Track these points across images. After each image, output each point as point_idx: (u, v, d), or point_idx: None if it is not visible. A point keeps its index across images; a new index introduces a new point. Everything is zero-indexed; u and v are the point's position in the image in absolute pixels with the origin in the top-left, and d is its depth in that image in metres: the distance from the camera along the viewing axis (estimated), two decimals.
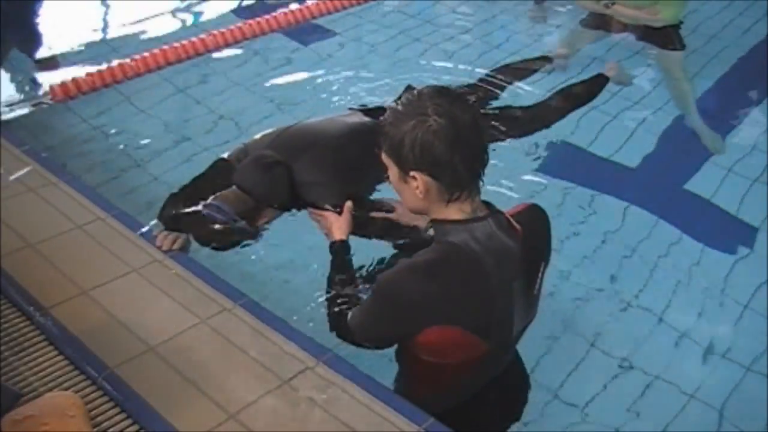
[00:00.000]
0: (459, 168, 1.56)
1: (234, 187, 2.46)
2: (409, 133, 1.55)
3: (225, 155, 2.68)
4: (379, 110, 2.72)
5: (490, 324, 1.66)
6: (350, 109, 2.80)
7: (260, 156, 2.48)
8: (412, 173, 1.59)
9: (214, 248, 2.55)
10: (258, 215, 2.45)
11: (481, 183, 1.64)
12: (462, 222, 1.61)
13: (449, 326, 1.62)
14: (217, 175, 2.58)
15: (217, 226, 2.39)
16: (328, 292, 1.95)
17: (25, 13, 4.93)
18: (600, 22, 4.32)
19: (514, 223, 1.69)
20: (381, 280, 1.65)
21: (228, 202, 2.40)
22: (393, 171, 1.65)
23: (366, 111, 2.74)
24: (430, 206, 1.64)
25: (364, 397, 1.80)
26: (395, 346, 1.80)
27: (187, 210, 2.47)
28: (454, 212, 1.62)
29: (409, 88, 2.88)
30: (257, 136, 2.67)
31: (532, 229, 1.73)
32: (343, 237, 2.06)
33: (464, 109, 1.57)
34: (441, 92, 1.60)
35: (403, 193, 1.68)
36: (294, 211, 2.51)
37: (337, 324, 1.84)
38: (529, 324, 1.85)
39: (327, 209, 2.22)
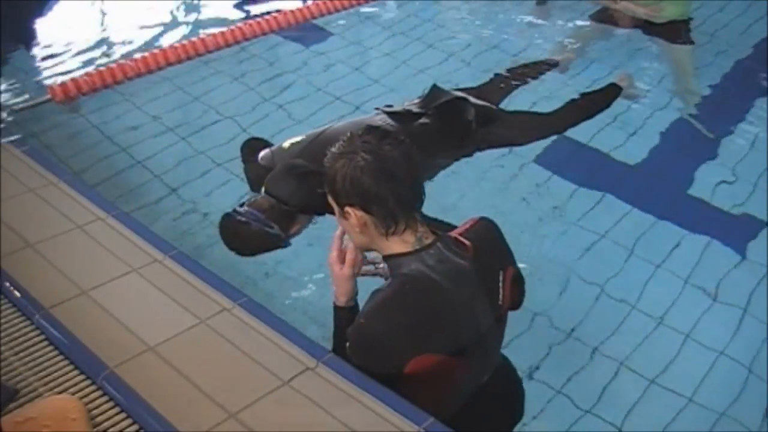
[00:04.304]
0: (389, 201, 1.64)
1: (265, 194, 2.50)
2: (340, 171, 1.66)
3: (260, 155, 2.72)
4: (406, 113, 2.73)
5: (464, 345, 1.73)
6: (376, 109, 2.79)
7: (292, 165, 2.51)
8: (346, 209, 1.69)
9: (247, 254, 2.57)
10: (291, 222, 2.48)
11: (418, 215, 1.72)
12: (412, 253, 1.69)
13: (426, 354, 1.68)
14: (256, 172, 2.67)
15: (251, 233, 2.44)
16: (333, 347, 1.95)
17: (21, 13, 4.93)
18: (609, 17, 4.34)
19: (464, 241, 1.76)
20: (350, 332, 1.71)
21: (261, 209, 2.45)
22: (335, 209, 1.75)
23: (391, 113, 2.73)
24: (372, 241, 1.73)
25: (364, 397, 1.79)
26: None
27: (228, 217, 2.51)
28: (398, 245, 1.71)
29: (434, 87, 2.88)
30: (285, 144, 2.67)
31: (483, 242, 1.79)
32: (347, 299, 1.87)
33: (393, 145, 1.66)
34: (371, 131, 1.71)
35: (347, 230, 1.78)
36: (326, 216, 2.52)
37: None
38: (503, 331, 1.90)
39: None
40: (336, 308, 1.88)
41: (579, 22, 4.75)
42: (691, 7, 4.26)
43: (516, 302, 1.99)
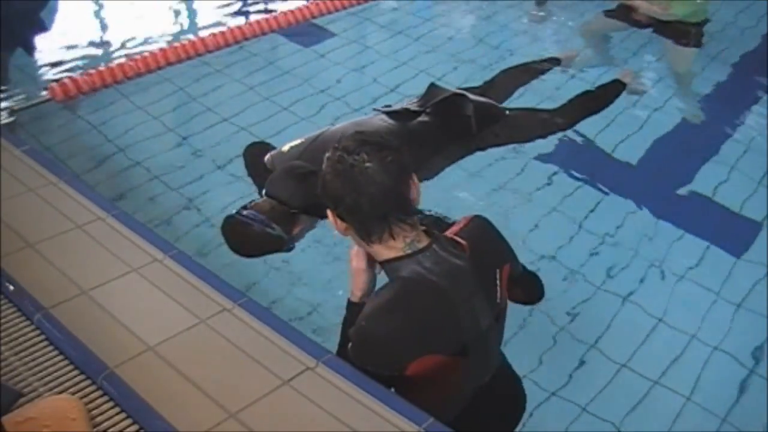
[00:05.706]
0: (364, 209, 1.63)
1: (266, 196, 2.51)
2: (320, 177, 1.69)
3: (266, 158, 2.73)
4: (404, 112, 2.72)
5: (465, 344, 1.73)
6: (374, 109, 2.80)
7: (292, 167, 2.52)
8: (328, 210, 1.71)
9: (249, 256, 2.57)
10: (293, 224, 2.49)
11: (406, 223, 1.67)
12: (406, 257, 1.69)
13: (428, 355, 1.68)
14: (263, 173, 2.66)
15: (253, 234, 2.43)
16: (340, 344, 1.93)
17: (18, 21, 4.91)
18: (624, 14, 4.34)
19: (459, 240, 1.75)
20: (351, 333, 1.71)
21: (263, 211, 2.46)
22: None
23: (390, 113, 2.73)
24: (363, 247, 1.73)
25: (364, 397, 1.79)
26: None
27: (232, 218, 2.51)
28: (386, 251, 1.70)
29: (432, 85, 2.88)
30: (284, 148, 2.67)
31: (478, 241, 1.79)
32: (362, 294, 1.86)
33: (371, 154, 1.63)
34: (355, 138, 1.68)
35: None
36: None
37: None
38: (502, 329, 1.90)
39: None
40: (349, 303, 1.87)
41: (579, 22, 4.75)
42: (705, 8, 4.19)
43: (532, 294, 2.03)
